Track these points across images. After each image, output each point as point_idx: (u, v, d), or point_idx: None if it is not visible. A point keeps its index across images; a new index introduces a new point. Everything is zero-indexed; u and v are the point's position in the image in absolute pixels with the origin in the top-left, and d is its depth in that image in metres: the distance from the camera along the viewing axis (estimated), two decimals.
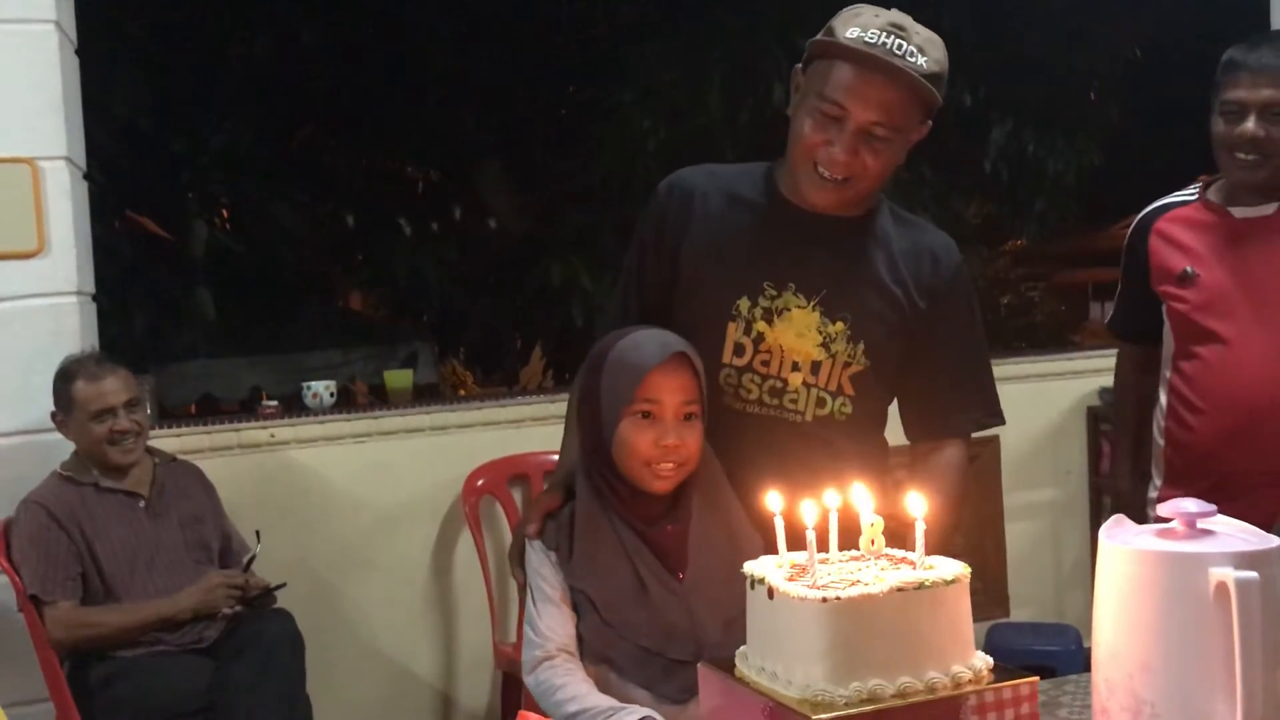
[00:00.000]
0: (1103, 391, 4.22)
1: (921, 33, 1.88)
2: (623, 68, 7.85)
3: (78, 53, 3.34)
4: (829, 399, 1.98)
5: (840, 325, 1.97)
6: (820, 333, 1.97)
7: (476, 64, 8.92)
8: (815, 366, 1.97)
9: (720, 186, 2.05)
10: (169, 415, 5.10)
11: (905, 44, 1.84)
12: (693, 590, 1.82)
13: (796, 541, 1.38)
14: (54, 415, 2.98)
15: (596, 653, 1.80)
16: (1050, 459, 4.27)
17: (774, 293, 1.97)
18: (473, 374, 9.71)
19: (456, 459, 3.61)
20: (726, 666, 1.40)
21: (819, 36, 1.90)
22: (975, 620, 1.35)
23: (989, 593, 4.05)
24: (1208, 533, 1.31)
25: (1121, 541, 1.32)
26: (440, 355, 10.17)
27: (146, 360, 6.57)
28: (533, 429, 3.70)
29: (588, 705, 1.71)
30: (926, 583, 1.29)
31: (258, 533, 3.09)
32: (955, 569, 1.33)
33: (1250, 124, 2.21)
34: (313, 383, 3.78)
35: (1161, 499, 2.36)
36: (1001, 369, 2.15)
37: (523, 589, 1.89)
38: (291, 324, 9.97)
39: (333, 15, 8.74)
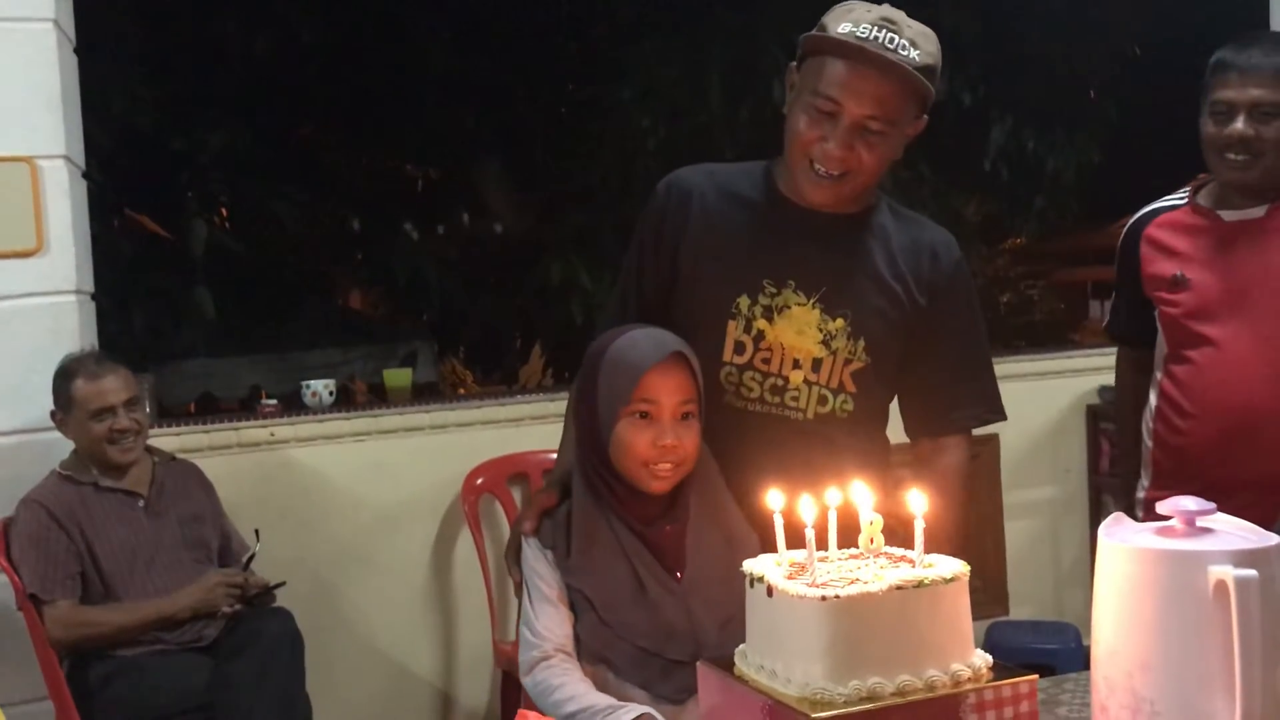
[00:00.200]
0: (1102, 390, 4.22)
1: (913, 26, 1.88)
2: (622, 67, 7.85)
3: (76, 51, 3.33)
4: (830, 396, 1.98)
5: (840, 322, 1.97)
6: (821, 330, 1.97)
7: (476, 63, 8.91)
8: (816, 364, 1.97)
9: (719, 185, 2.05)
10: (168, 414, 5.10)
11: (897, 38, 1.84)
12: (691, 590, 1.82)
13: (796, 540, 1.38)
14: (53, 414, 2.98)
15: (594, 653, 1.80)
16: (1050, 457, 4.27)
17: (774, 290, 1.97)
18: (472, 373, 9.71)
19: (456, 458, 3.61)
20: (725, 665, 1.40)
21: (811, 33, 1.90)
22: (974, 618, 1.35)
23: (988, 591, 4.05)
24: (1207, 531, 1.31)
25: (1121, 539, 1.32)
26: (440, 354, 10.16)
27: (146, 359, 6.56)
28: (532, 428, 3.70)
29: (586, 704, 1.71)
30: (926, 581, 1.29)
31: (257, 531, 3.10)
32: (954, 567, 1.33)
33: (1240, 124, 2.20)
34: (312, 381, 3.78)
35: (1149, 500, 2.37)
36: (1001, 367, 2.15)
37: (519, 587, 1.89)
38: (291, 323, 9.96)
39: (332, 14, 8.74)
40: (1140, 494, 2.44)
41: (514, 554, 1.92)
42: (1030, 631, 3.91)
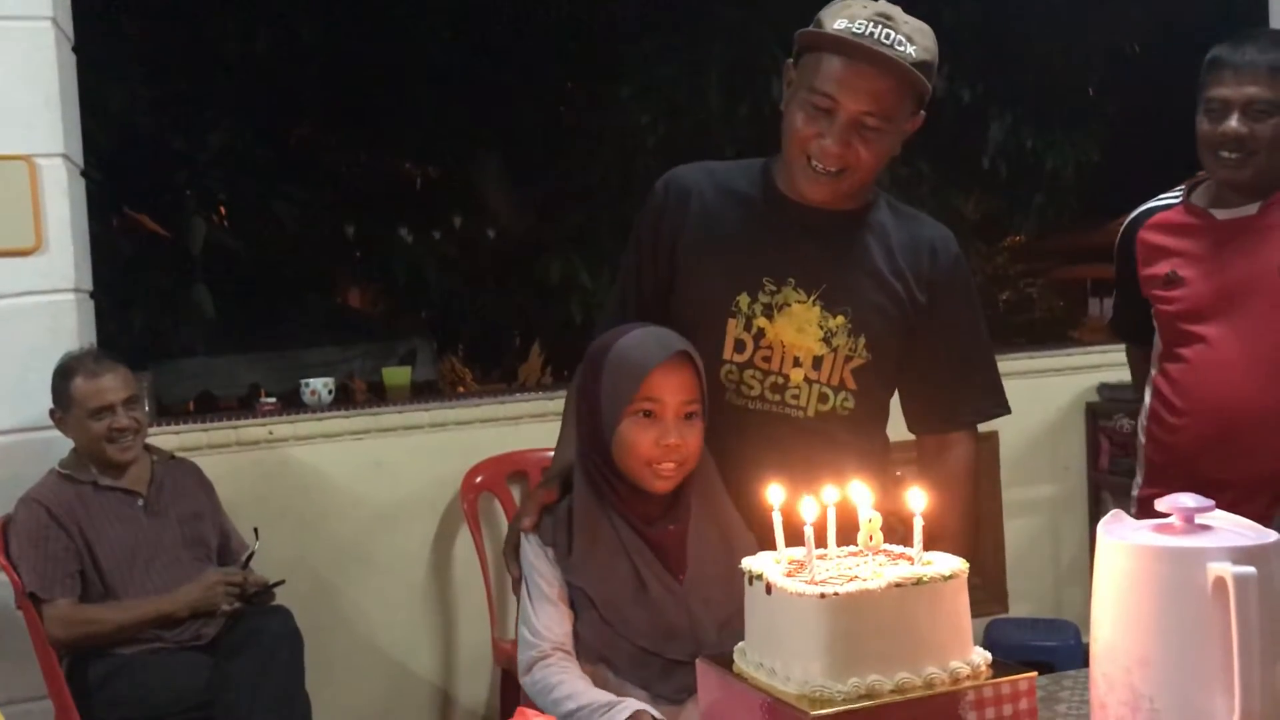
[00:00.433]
0: (1101, 387, 4.22)
1: (910, 22, 1.88)
2: (622, 65, 7.85)
3: (75, 50, 3.33)
4: (831, 394, 1.98)
5: (841, 319, 1.97)
6: (821, 327, 1.97)
7: (475, 61, 8.91)
8: (817, 361, 1.97)
9: (717, 183, 2.05)
10: (167, 412, 5.11)
11: (894, 33, 1.84)
12: (692, 591, 1.82)
13: (795, 537, 1.38)
14: (52, 413, 2.98)
15: (594, 651, 1.80)
16: (1049, 455, 4.27)
17: (774, 288, 1.97)
18: (471, 371, 9.70)
19: (455, 456, 3.61)
20: (725, 662, 1.40)
21: (808, 29, 1.90)
22: (974, 616, 1.35)
23: (987, 588, 4.05)
24: (1206, 528, 1.31)
25: (1120, 537, 1.32)
26: (439, 352, 10.16)
27: (144, 357, 6.56)
28: (531, 426, 3.70)
29: (584, 702, 1.70)
30: (924, 578, 1.29)
31: (256, 530, 3.10)
32: (953, 564, 1.33)
33: (1233, 122, 2.19)
34: (311, 380, 3.78)
35: (1142, 497, 2.37)
36: (1000, 365, 2.14)
37: (517, 583, 1.88)
38: (290, 321, 9.96)
39: (331, 12, 8.73)
40: (1134, 491, 2.44)
41: (513, 550, 1.91)
42: (1029, 629, 3.91)
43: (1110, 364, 4.09)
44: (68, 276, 3.16)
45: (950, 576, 1.31)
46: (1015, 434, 4.05)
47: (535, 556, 1.85)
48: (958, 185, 8.67)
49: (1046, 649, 3.70)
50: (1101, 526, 1.35)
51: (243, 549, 3.08)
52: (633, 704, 1.68)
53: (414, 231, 9.91)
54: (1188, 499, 1.31)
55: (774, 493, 1.41)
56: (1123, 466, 3.91)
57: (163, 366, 7.97)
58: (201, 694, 2.73)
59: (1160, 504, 1.33)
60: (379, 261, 9.98)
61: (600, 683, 1.77)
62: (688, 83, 7.51)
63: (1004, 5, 7.76)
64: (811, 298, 1.97)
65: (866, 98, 1.85)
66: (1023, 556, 4.21)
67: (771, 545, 1.42)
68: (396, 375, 4.13)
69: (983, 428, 2.13)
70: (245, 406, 5.87)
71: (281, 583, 3.01)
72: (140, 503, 2.97)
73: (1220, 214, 2.30)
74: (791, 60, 1.95)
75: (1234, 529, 1.31)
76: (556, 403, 3.31)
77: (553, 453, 2.12)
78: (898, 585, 1.28)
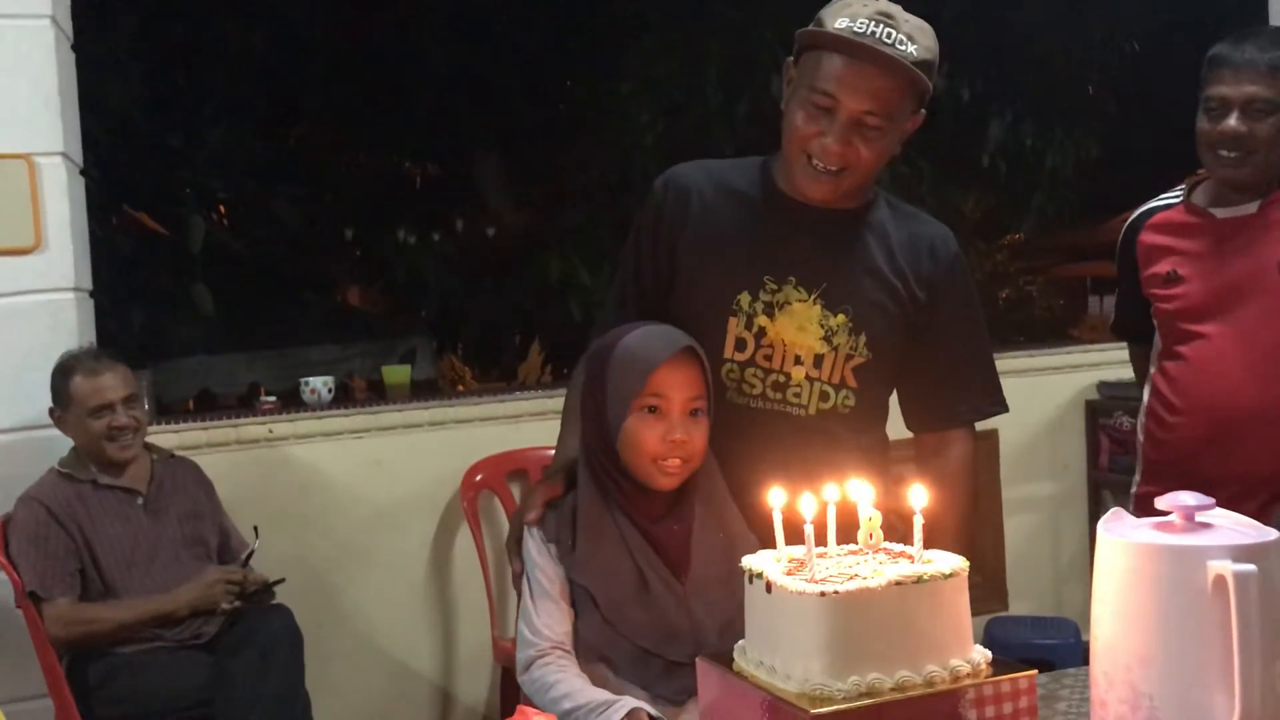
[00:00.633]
0: (1101, 385, 4.22)
1: (911, 20, 1.88)
2: (621, 62, 7.85)
3: (74, 48, 3.33)
4: (832, 392, 1.98)
5: (841, 317, 1.97)
6: (822, 325, 1.97)
7: (474, 58, 8.91)
8: (818, 360, 1.97)
9: (716, 181, 2.04)
10: (167, 411, 5.11)
11: (894, 32, 1.84)
12: (694, 593, 1.81)
13: (795, 536, 1.38)
14: (52, 411, 2.98)
15: (594, 651, 1.79)
16: (1049, 453, 4.27)
17: (774, 287, 1.97)
18: (471, 370, 9.70)
19: (455, 454, 3.61)
20: (725, 661, 1.40)
21: (809, 27, 1.90)
22: (974, 614, 1.35)
23: (987, 586, 4.05)
24: (1206, 526, 1.31)
25: (1120, 535, 1.32)
26: (438, 351, 10.16)
27: (144, 356, 6.56)
28: (531, 424, 3.69)
29: (582, 700, 1.70)
30: (924, 577, 1.29)
31: (256, 528, 3.09)
32: (953, 563, 1.33)
33: (1233, 120, 2.19)
34: (311, 378, 3.77)
35: (1140, 495, 2.37)
36: (1000, 363, 2.15)
37: (518, 578, 1.88)
38: (289, 320, 9.97)
39: (330, 10, 8.74)
40: (1133, 489, 2.44)
41: (515, 544, 1.90)
42: (1029, 627, 3.91)
43: (1110, 362, 4.09)
44: (67, 275, 3.16)
45: (951, 574, 1.31)
46: (1015, 432, 4.05)
47: (538, 553, 1.85)
48: (957, 183, 8.67)
49: (1046, 647, 3.70)
50: (1101, 524, 1.35)
51: (242, 547, 3.08)
52: (630, 702, 1.68)
53: (413, 230, 9.92)
54: (1188, 497, 1.31)
55: (775, 496, 1.41)
56: (1122, 464, 3.91)
57: (162, 365, 7.98)
58: (201, 692, 2.73)
59: (1160, 502, 1.33)
60: (379, 260, 9.98)
61: (600, 683, 1.77)
62: (687, 81, 7.52)
63: (1004, 4, 7.76)
64: (812, 296, 1.97)
65: (867, 97, 1.85)
66: (1023, 554, 4.21)
67: (772, 545, 1.42)
68: (396, 374, 4.13)
69: (982, 426, 2.13)
70: (245, 405, 5.86)
71: (281, 581, 3.01)
72: (140, 501, 2.97)
73: (1220, 213, 2.30)
74: (792, 59, 1.95)
75: (1234, 527, 1.31)
76: (556, 401, 3.31)
77: (553, 451, 2.12)
78: (898, 583, 1.28)
